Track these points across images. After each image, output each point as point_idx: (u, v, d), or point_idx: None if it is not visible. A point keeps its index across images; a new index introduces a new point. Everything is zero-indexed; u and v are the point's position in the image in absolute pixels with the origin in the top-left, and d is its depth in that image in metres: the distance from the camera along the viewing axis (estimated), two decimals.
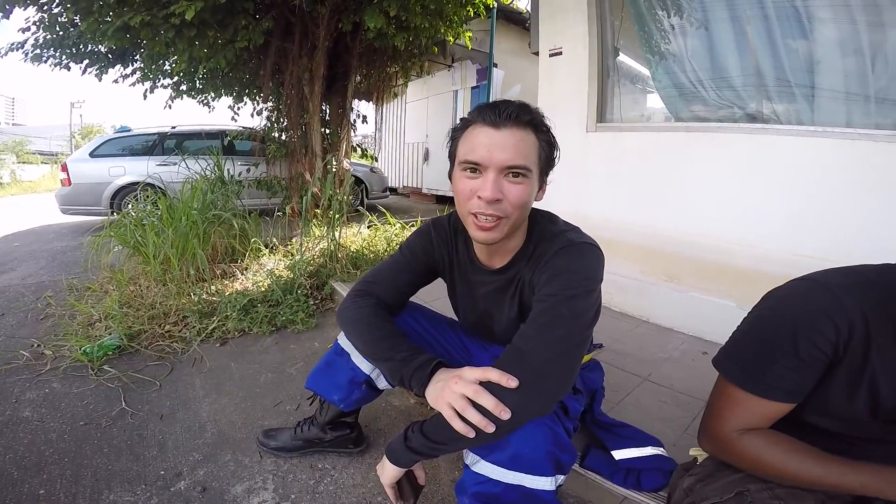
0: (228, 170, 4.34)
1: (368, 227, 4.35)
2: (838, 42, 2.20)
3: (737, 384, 0.82)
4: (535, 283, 1.01)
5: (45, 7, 4.33)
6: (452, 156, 1.04)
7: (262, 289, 3.00)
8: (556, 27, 3.27)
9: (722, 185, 2.48)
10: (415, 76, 7.20)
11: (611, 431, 1.45)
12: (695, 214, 2.58)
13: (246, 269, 3.36)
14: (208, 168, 4.19)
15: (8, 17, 4.20)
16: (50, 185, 12.78)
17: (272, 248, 3.75)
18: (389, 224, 4.35)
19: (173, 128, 6.43)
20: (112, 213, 5.07)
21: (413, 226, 3.96)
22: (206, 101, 6.50)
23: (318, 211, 3.93)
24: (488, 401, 0.82)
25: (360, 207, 4.75)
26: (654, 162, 2.77)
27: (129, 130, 6.37)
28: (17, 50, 4.86)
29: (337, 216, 3.59)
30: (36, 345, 2.36)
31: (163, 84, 5.88)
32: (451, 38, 5.98)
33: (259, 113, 5.94)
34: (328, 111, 5.96)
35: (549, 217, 1.13)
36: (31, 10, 4.43)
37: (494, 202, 0.93)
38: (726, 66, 2.56)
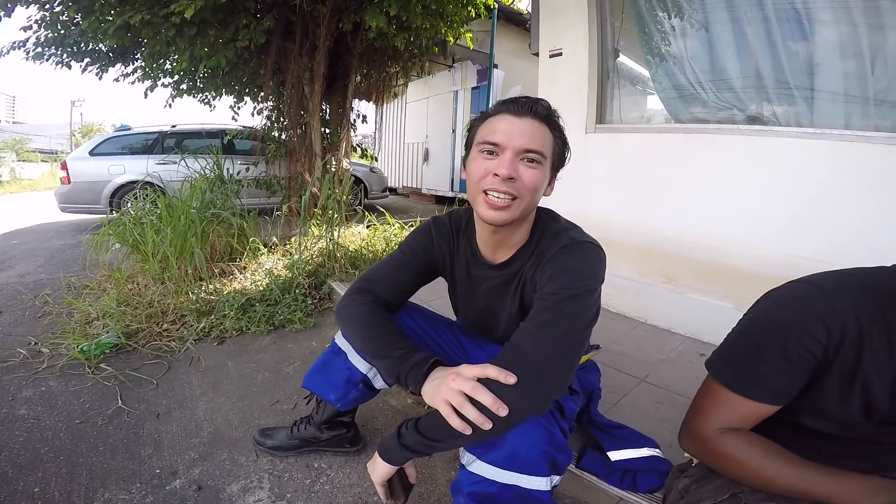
0: (228, 169, 4.33)
1: (367, 227, 4.35)
2: (837, 44, 2.21)
3: (724, 384, 0.82)
4: (537, 280, 1.02)
5: (47, 6, 4.32)
6: (470, 142, 1.07)
7: (261, 288, 3.00)
8: (556, 28, 3.28)
9: (721, 187, 2.48)
10: (415, 76, 7.20)
11: (607, 432, 1.45)
12: (693, 216, 2.59)
13: (244, 268, 3.36)
14: (208, 167, 4.19)
15: (10, 16, 4.21)
16: (49, 184, 12.78)
17: (271, 247, 3.75)
18: (388, 224, 4.35)
19: (173, 127, 6.43)
20: (111, 211, 5.07)
21: (412, 226, 3.96)
22: (206, 101, 6.50)
23: (317, 210, 3.92)
24: (486, 397, 0.82)
25: (358, 207, 4.74)
26: (653, 163, 2.77)
27: (129, 129, 6.37)
28: (19, 48, 4.85)
29: (336, 216, 3.59)
30: (33, 343, 2.36)
31: (163, 83, 5.87)
32: (451, 39, 5.97)
33: (259, 112, 5.93)
34: (328, 111, 5.96)
35: (551, 214, 1.15)
36: (33, 9, 4.43)
37: (509, 180, 0.95)
38: (726, 68, 2.57)
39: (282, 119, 5.83)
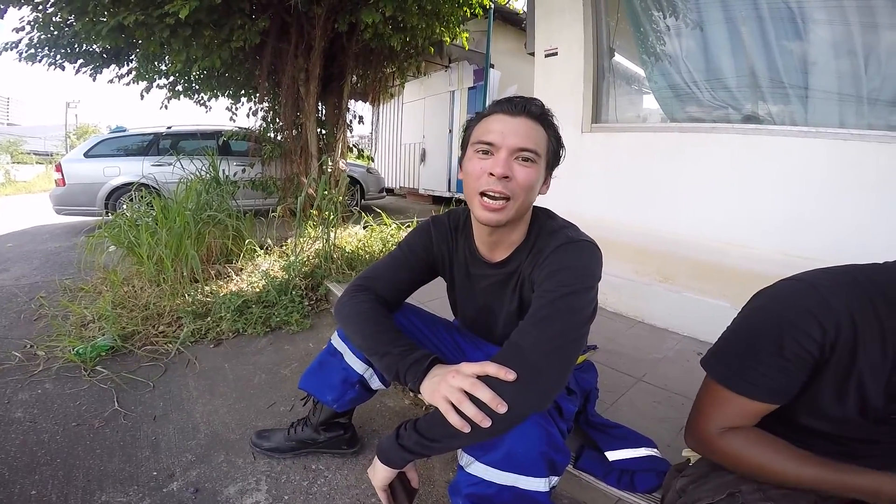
0: (224, 170, 4.32)
1: (364, 228, 4.34)
2: (831, 43, 2.21)
3: (721, 383, 0.83)
4: (535, 279, 1.02)
5: (40, 7, 4.31)
6: (465, 142, 1.08)
7: (257, 290, 2.99)
8: (551, 27, 3.28)
9: (716, 186, 2.48)
10: (411, 77, 7.21)
11: (604, 432, 1.45)
12: (689, 214, 2.59)
13: (241, 269, 3.35)
14: (203, 168, 4.17)
15: (2, 17, 4.19)
16: (44, 186, 12.70)
17: (267, 248, 3.74)
18: (385, 224, 4.35)
19: (169, 128, 6.40)
20: (107, 213, 5.04)
21: (409, 226, 3.96)
22: (202, 102, 6.48)
23: (314, 212, 3.91)
24: (485, 394, 0.82)
25: (354, 208, 4.73)
26: (648, 162, 2.77)
27: (124, 130, 6.34)
28: (12, 49, 4.84)
29: (332, 217, 3.58)
30: (28, 345, 2.35)
31: (159, 84, 5.86)
32: (447, 39, 5.98)
33: (255, 113, 5.93)
34: (324, 111, 5.96)
35: (547, 213, 1.15)
36: (26, 10, 4.42)
37: (504, 178, 0.96)
38: (721, 67, 2.57)
39: (277, 120, 5.81)
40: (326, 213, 3.60)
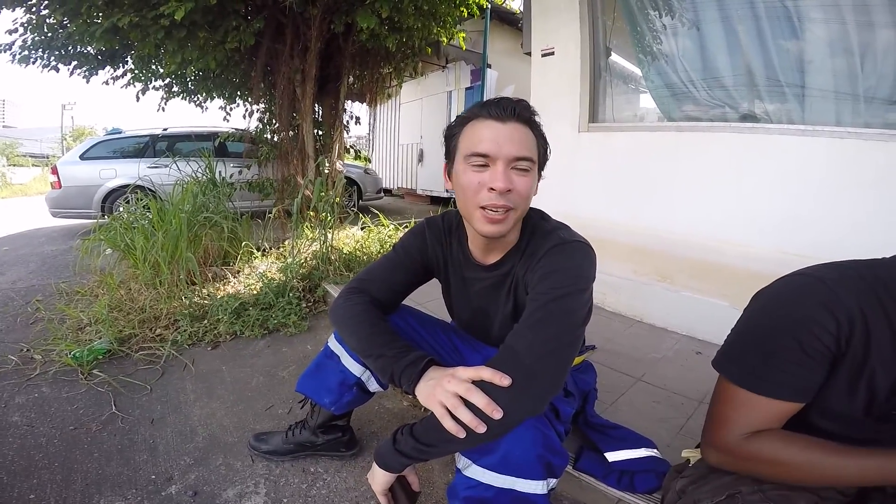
0: (220, 172, 4.31)
1: (362, 229, 4.33)
2: (828, 42, 2.22)
3: (742, 385, 0.79)
4: (529, 281, 1.02)
5: (34, 8, 4.29)
6: (452, 152, 1.04)
7: (254, 292, 2.98)
8: (548, 27, 3.28)
9: (713, 185, 2.49)
10: (408, 77, 7.19)
11: (604, 433, 1.44)
12: (686, 213, 2.59)
13: (238, 272, 3.34)
14: (199, 170, 4.16)
15: None
16: (40, 188, 12.68)
17: (264, 250, 3.73)
18: (383, 225, 4.34)
19: (165, 130, 6.39)
20: (103, 216, 5.03)
21: (407, 227, 3.96)
22: (197, 103, 6.47)
23: (311, 213, 3.91)
24: (480, 399, 0.82)
25: (352, 209, 4.72)
26: (645, 161, 2.78)
27: (120, 132, 6.32)
28: (5, 51, 4.81)
29: (329, 218, 3.58)
30: (25, 349, 2.33)
31: (154, 86, 5.84)
32: (444, 39, 5.97)
33: (251, 114, 5.92)
34: (321, 112, 5.94)
35: (540, 214, 1.14)
36: (20, 12, 4.40)
37: (506, 192, 0.94)
38: (717, 66, 2.58)
39: (274, 121, 5.80)
40: (323, 214, 3.59)
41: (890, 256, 0.77)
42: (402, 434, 0.94)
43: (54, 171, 5.83)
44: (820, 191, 2.14)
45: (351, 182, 7.28)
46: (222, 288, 3.08)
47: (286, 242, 3.91)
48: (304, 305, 2.89)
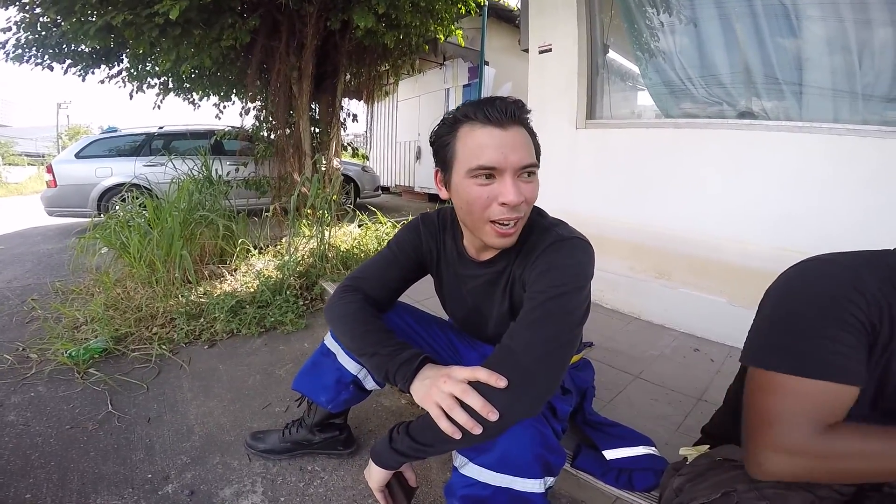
0: (216, 170, 4.29)
1: (359, 227, 4.32)
2: (825, 39, 2.21)
3: (801, 374, 0.69)
4: (526, 279, 1.00)
5: (28, 7, 4.26)
6: (448, 162, 0.97)
7: (251, 290, 2.97)
8: (545, 23, 3.27)
9: (711, 181, 2.48)
10: (406, 74, 7.18)
11: (602, 431, 1.44)
12: (684, 210, 2.59)
13: (235, 270, 3.33)
14: (196, 168, 4.15)
15: None
16: (36, 187, 12.61)
17: (261, 248, 3.72)
18: (380, 223, 4.33)
19: (161, 128, 6.36)
20: (99, 214, 5.00)
21: (404, 224, 3.95)
22: (193, 101, 6.44)
23: (308, 211, 3.90)
24: (476, 401, 0.81)
25: (349, 207, 4.71)
26: (643, 158, 2.77)
27: (116, 131, 6.29)
28: None
29: (326, 215, 3.57)
30: (20, 348, 2.33)
31: (150, 84, 5.81)
32: (441, 36, 5.95)
33: (247, 112, 5.89)
34: (317, 110, 5.92)
35: (537, 210, 1.12)
36: (13, 10, 4.36)
37: (520, 204, 0.92)
38: (715, 63, 2.57)
39: (270, 118, 5.78)
40: (320, 211, 3.58)
41: (894, 248, 0.76)
42: (398, 432, 0.94)
43: (49, 169, 5.80)
44: (817, 187, 2.14)
45: (348, 180, 7.26)
46: (219, 286, 3.07)
47: (283, 240, 3.90)
48: (302, 303, 2.88)
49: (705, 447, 1.01)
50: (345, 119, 6.47)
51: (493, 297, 1.14)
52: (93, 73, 5.41)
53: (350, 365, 1.28)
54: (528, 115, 0.97)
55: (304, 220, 3.91)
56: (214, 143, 6.11)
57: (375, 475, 0.99)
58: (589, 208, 3.04)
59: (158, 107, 6.09)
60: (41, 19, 4.36)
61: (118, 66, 5.55)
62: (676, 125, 2.67)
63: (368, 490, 1.41)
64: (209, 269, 3.26)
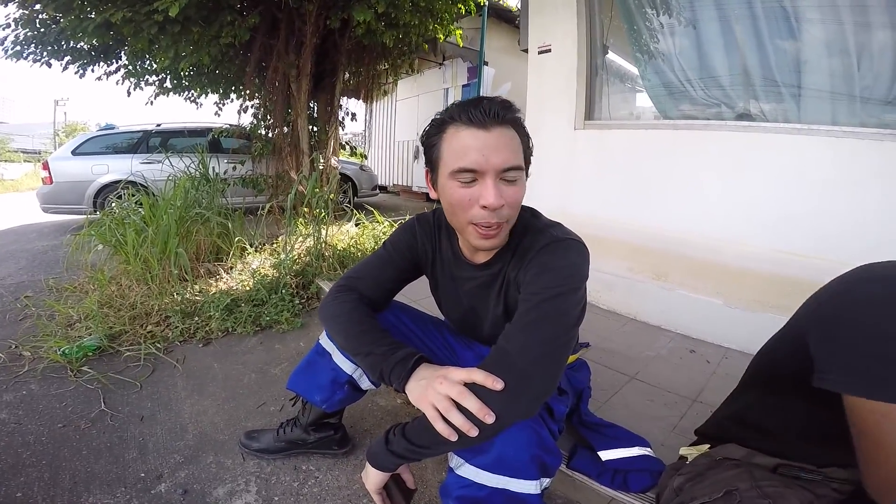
0: (214, 167, 4.28)
1: (356, 226, 4.31)
2: (824, 42, 2.22)
3: None
4: (521, 281, 1.00)
5: (27, 4, 4.24)
6: (435, 163, 0.98)
7: (247, 288, 2.96)
8: (545, 24, 3.27)
9: (709, 183, 2.48)
10: (405, 74, 7.18)
11: (598, 432, 1.43)
12: (682, 212, 2.59)
13: (231, 268, 3.31)
14: (192, 166, 4.13)
15: None
16: (32, 184, 12.55)
17: (257, 247, 3.71)
18: (378, 222, 4.32)
19: (158, 125, 6.35)
20: (95, 211, 4.99)
21: (401, 224, 3.94)
22: (192, 99, 6.42)
23: (305, 209, 3.89)
24: (472, 403, 0.80)
25: (347, 206, 4.70)
26: (641, 159, 2.77)
27: (113, 128, 6.28)
28: None
29: (323, 214, 3.56)
30: (13, 346, 2.30)
31: (148, 81, 5.79)
32: (441, 36, 5.95)
33: (245, 110, 5.88)
34: (316, 108, 5.92)
35: (531, 212, 1.12)
36: (12, 7, 4.35)
37: (500, 208, 0.90)
38: (714, 65, 2.57)
39: (268, 117, 5.77)
40: (317, 210, 3.57)
41: None
42: (394, 434, 0.93)
43: (45, 166, 5.79)
44: (815, 189, 2.14)
45: (346, 178, 7.26)
46: (214, 284, 3.06)
47: (280, 238, 3.89)
48: (298, 302, 2.87)
49: (705, 447, 1.00)
50: (343, 118, 6.47)
51: (489, 299, 1.14)
52: (91, 70, 5.38)
53: (345, 365, 1.28)
54: (518, 115, 0.95)
55: (300, 219, 3.90)
56: (212, 141, 6.10)
57: (372, 477, 0.98)
58: (587, 209, 3.03)
59: (151, 102, 6.08)
60: (40, 16, 4.35)
61: (116, 63, 5.53)
62: (675, 126, 2.67)
63: (363, 490, 1.41)
64: (205, 267, 3.25)
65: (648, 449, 1.36)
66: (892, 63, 2.03)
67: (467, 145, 0.89)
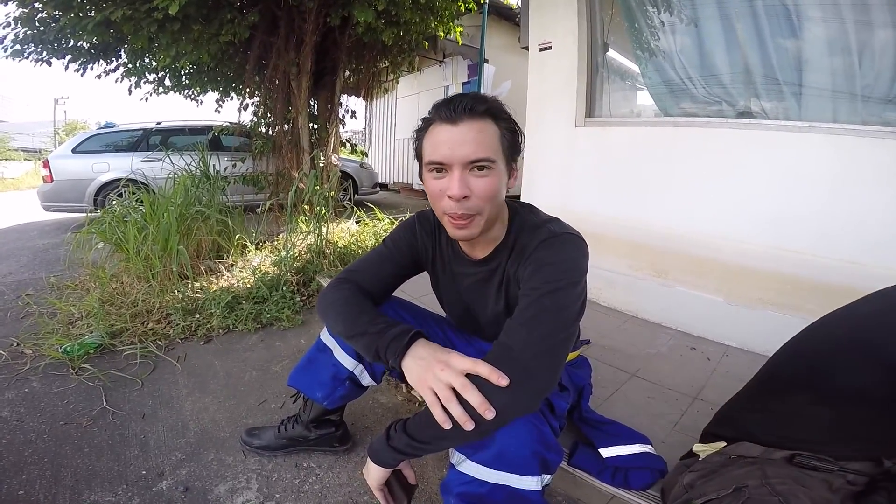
0: (214, 165, 4.28)
1: (357, 223, 4.31)
2: (825, 40, 2.21)
3: None
4: (521, 276, 1.00)
5: (27, 2, 4.23)
6: (419, 157, 1.02)
7: (248, 285, 2.96)
8: (545, 21, 3.26)
9: (709, 180, 2.48)
10: (405, 72, 7.17)
11: (599, 429, 1.44)
12: (682, 209, 2.59)
13: (232, 265, 3.31)
14: (193, 164, 4.13)
15: None
16: (33, 182, 12.54)
17: (258, 244, 3.71)
18: (378, 220, 4.32)
19: (158, 124, 6.35)
20: (95, 209, 4.99)
21: (402, 221, 3.94)
22: (192, 97, 6.42)
23: (305, 207, 3.89)
24: (475, 397, 0.80)
25: (347, 203, 4.70)
26: (642, 157, 2.76)
27: (113, 126, 6.27)
28: None
29: (324, 212, 3.56)
30: (15, 344, 2.31)
31: (148, 79, 5.79)
32: (441, 34, 5.94)
33: (245, 108, 5.88)
34: (316, 106, 5.91)
35: (529, 208, 1.12)
36: (12, 6, 4.33)
37: (463, 199, 0.92)
38: (715, 63, 2.56)
39: (268, 114, 5.77)
40: (318, 208, 3.57)
41: None
42: (395, 430, 0.93)
43: (46, 164, 5.79)
44: (816, 187, 2.13)
45: (346, 176, 7.26)
46: (215, 282, 3.06)
47: (280, 236, 3.89)
48: (298, 299, 2.87)
49: (720, 444, 1.00)
50: (343, 116, 6.45)
51: (488, 295, 1.14)
52: (91, 68, 5.36)
53: (346, 361, 1.28)
54: (495, 107, 0.95)
55: (301, 216, 3.90)
56: (212, 139, 6.09)
57: (374, 474, 0.98)
58: (587, 206, 3.03)
59: (146, 100, 6.08)
60: (40, 14, 4.33)
61: (116, 61, 5.52)
62: (676, 124, 2.66)
63: (365, 487, 1.41)
64: (206, 265, 3.25)
65: (649, 446, 1.37)
66: (893, 61, 2.03)
67: (438, 140, 0.93)
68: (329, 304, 1.12)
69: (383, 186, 10.20)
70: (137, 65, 5.50)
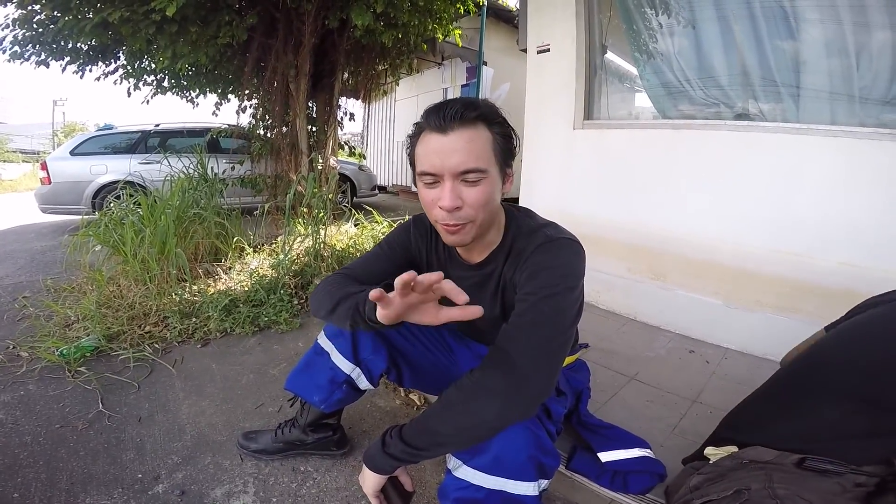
0: (212, 168, 4.27)
1: (355, 226, 4.31)
2: (823, 42, 2.22)
3: None
4: (517, 281, 0.99)
5: (25, 3, 4.22)
6: (413, 163, 1.02)
7: (245, 288, 2.95)
8: (543, 23, 3.26)
9: (708, 182, 2.48)
10: (404, 74, 7.17)
11: (597, 433, 1.43)
12: (681, 211, 2.59)
13: (229, 268, 3.30)
14: (191, 166, 4.12)
15: None
16: (31, 184, 12.51)
17: (256, 247, 3.70)
18: (377, 222, 4.32)
19: (157, 126, 6.34)
20: (93, 212, 4.98)
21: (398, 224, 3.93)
22: (190, 99, 6.41)
23: (304, 209, 3.88)
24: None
25: (346, 206, 4.70)
26: (640, 159, 2.77)
27: (112, 128, 6.27)
28: None
29: (322, 214, 3.55)
30: (11, 346, 2.30)
31: (146, 81, 5.78)
32: (440, 36, 5.94)
33: (243, 110, 5.87)
34: (314, 108, 5.91)
35: (525, 212, 1.12)
36: (11, 8, 4.33)
37: (455, 210, 0.91)
38: (713, 65, 2.57)
39: (267, 117, 5.77)
40: (316, 210, 3.56)
41: None
42: (391, 436, 0.93)
43: (44, 166, 5.78)
44: (814, 189, 2.14)
45: (345, 179, 7.26)
46: (213, 285, 3.05)
47: (278, 239, 3.88)
48: (296, 303, 2.86)
49: (732, 448, 1.00)
50: (342, 118, 6.45)
51: (484, 300, 1.13)
52: (90, 70, 5.36)
53: (344, 364, 1.27)
54: (488, 113, 0.93)
55: (299, 219, 3.89)
56: (210, 141, 6.09)
57: (370, 480, 0.98)
58: (585, 209, 3.03)
59: (147, 102, 6.07)
60: (38, 16, 4.33)
61: (115, 63, 5.51)
62: (674, 126, 2.66)
63: (362, 492, 1.40)
64: (203, 268, 3.24)
65: (648, 450, 1.36)
66: (890, 63, 2.03)
67: (428, 149, 0.92)
68: (319, 291, 1.12)
69: (382, 189, 10.20)
70: (136, 67, 5.49)
